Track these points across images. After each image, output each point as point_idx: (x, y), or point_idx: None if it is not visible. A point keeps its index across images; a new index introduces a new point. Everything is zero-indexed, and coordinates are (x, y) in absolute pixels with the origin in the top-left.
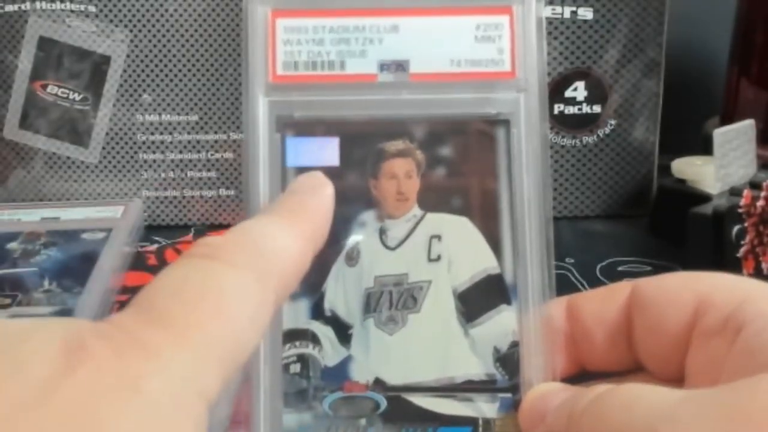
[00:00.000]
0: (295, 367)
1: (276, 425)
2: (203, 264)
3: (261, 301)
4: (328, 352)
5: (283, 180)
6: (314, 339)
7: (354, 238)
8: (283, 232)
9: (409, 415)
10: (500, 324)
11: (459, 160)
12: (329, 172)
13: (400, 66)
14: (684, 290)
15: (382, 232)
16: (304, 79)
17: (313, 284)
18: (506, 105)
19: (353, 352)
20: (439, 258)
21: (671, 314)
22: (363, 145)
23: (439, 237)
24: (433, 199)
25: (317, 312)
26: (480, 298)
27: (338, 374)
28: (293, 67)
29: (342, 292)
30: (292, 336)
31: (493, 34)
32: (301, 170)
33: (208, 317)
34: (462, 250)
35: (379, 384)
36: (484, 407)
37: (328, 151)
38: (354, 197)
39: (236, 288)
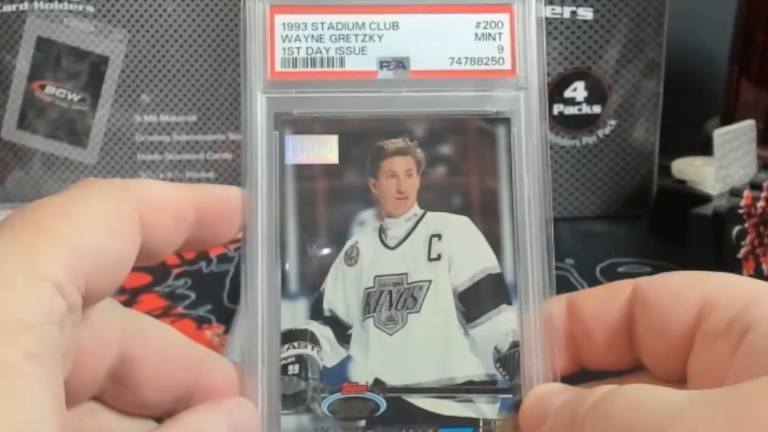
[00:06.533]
0: (294, 368)
1: (274, 427)
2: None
3: (118, 209)
4: (327, 352)
5: (282, 178)
6: (313, 339)
7: (353, 238)
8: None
9: (409, 417)
10: (501, 324)
11: (459, 159)
12: (328, 170)
13: (400, 63)
14: (688, 291)
15: (381, 231)
16: (303, 76)
17: (311, 284)
18: (506, 103)
19: (352, 353)
20: (439, 257)
21: (674, 315)
22: (362, 143)
23: (439, 236)
24: (433, 198)
25: (316, 312)
26: (480, 298)
27: (337, 375)
28: (292, 64)
29: (341, 292)
30: (291, 336)
31: (493, 31)
32: (300, 168)
33: (51, 218)
34: (462, 250)
35: (378, 385)
36: (485, 408)
37: (327, 148)
38: (353, 196)
39: (87, 197)
